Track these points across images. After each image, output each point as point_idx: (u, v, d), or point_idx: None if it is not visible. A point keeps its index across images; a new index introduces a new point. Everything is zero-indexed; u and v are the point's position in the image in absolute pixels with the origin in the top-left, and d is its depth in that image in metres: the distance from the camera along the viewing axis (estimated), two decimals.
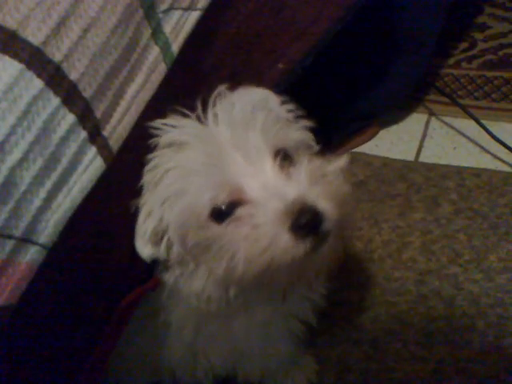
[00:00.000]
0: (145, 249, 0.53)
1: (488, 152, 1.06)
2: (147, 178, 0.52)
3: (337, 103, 1.05)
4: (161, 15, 0.53)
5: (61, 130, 0.42)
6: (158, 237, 0.52)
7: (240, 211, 0.48)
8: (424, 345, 0.79)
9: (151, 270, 0.58)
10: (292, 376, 0.76)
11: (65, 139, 0.42)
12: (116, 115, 0.48)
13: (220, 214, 0.49)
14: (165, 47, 0.54)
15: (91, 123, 0.45)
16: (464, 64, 1.27)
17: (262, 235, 0.46)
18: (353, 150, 1.11)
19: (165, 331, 0.61)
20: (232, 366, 0.66)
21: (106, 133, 0.47)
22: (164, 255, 0.53)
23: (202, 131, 0.51)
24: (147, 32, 0.51)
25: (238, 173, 0.48)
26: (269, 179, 0.48)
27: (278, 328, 0.62)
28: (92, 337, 0.55)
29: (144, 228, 0.52)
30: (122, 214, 0.54)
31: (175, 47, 0.55)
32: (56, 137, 0.41)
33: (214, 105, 0.52)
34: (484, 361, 0.76)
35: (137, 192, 0.53)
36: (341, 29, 0.73)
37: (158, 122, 0.51)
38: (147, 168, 0.51)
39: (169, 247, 0.53)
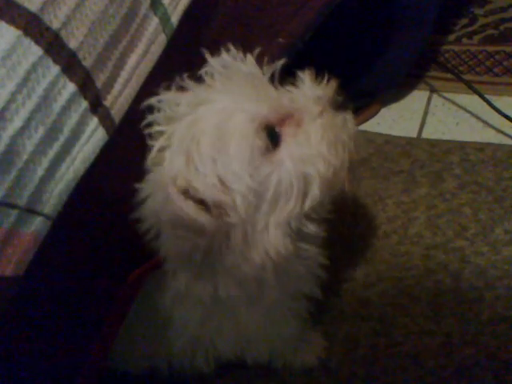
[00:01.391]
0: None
1: (491, 126, 1.05)
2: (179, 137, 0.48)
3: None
4: None
5: (62, 99, 0.41)
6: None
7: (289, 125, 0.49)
8: (432, 318, 0.79)
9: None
10: (301, 353, 0.76)
11: (66, 108, 0.42)
12: (117, 86, 0.47)
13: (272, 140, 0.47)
14: (164, 18, 0.53)
15: (92, 93, 0.44)
16: (465, 40, 1.26)
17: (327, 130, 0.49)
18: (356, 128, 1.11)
19: (166, 325, 0.61)
20: (240, 352, 0.66)
21: (107, 103, 0.46)
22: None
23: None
24: (146, 2, 0.50)
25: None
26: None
27: (284, 310, 0.61)
28: (98, 316, 0.54)
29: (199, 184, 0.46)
30: (125, 190, 0.54)
31: (174, 19, 0.55)
32: (57, 106, 0.41)
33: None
34: (493, 332, 0.76)
35: (138, 169, 0.52)
36: (339, 4, 0.72)
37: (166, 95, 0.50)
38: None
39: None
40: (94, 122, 0.45)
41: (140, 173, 0.53)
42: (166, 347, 0.65)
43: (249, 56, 0.51)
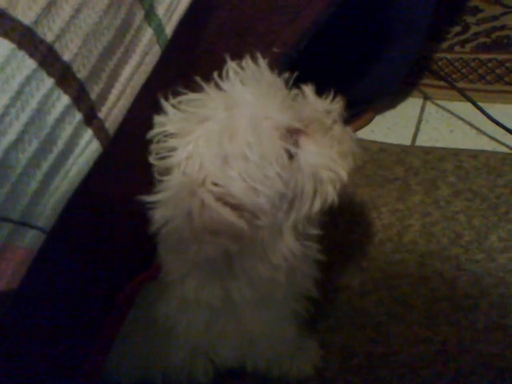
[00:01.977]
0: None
1: (484, 134, 1.05)
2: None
3: (331, 89, 1.05)
4: None
5: (56, 112, 0.41)
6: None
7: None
8: (428, 326, 0.79)
9: (152, 257, 0.57)
10: (297, 362, 0.76)
11: (60, 121, 0.41)
12: (111, 97, 0.47)
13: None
14: (158, 29, 0.53)
15: (86, 105, 0.44)
16: (457, 48, 1.27)
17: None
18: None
19: (168, 334, 0.61)
20: (241, 357, 0.66)
21: (101, 115, 0.46)
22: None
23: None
24: (140, 13, 0.50)
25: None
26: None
27: (287, 310, 0.62)
28: (93, 326, 0.54)
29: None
30: (122, 200, 0.54)
31: (169, 30, 0.55)
32: (51, 118, 0.41)
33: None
34: (488, 340, 0.76)
35: (137, 175, 0.52)
36: (334, 13, 0.73)
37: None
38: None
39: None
40: (88, 134, 0.44)
41: (139, 181, 0.53)
42: (164, 358, 0.65)
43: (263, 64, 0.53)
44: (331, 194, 0.52)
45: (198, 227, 0.46)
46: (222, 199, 0.47)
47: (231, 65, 0.52)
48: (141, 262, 0.57)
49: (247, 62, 0.52)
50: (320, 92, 0.55)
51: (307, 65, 0.86)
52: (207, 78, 0.53)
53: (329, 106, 0.54)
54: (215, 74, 0.52)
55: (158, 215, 0.49)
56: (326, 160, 0.52)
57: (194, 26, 0.62)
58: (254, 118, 0.48)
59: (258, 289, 0.54)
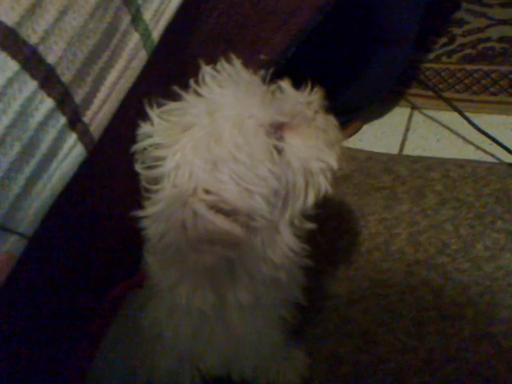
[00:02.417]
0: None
1: (471, 143, 1.06)
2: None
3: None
4: (140, 1, 0.52)
5: (39, 115, 0.40)
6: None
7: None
8: (415, 335, 0.79)
9: (137, 263, 0.57)
10: (284, 371, 0.75)
11: (43, 124, 0.41)
12: (96, 101, 0.47)
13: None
14: (145, 34, 0.53)
15: (71, 109, 0.43)
16: (444, 58, 1.28)
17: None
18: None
19: (154, 341, 0.60)
20: (228, 365, 0.65)
21: (86, 119, 0.45)
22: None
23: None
24: (127, 18, 0.50)
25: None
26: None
27: (275, 315, 0.62)
28: (77, 333, 0.53)
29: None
30: (106, 206, 0.53)
31: (155, 35, 0.54)
32: (34, 121, 0.40)
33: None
34: (475, 349, 0.76)
35: (123, 181, 0.51)
36: (322, 21, 0.73)
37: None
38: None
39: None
40: (72, 138, 0.44)
41: (125, 187, 0.52)
42: (150, 367, 0.64)
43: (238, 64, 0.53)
44: (323, 185, 0.53)
45: (193, 238, 0.46)
46: (214, 207, 0.46)
47: (206, 69, 0.52)
48: (125, 269, 0.56)
49: (222, 64, 0.52)
50: (296, 86, 0.56)
51: (295, 73, 0.87)
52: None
53: (308, 98, 0.55)
54: (192, 81, 0.51)
55: (153, 230, 0.48)
56: (313, 151, 0.52)
57: (182, 32, 0.61)
58: (237, 119, 0.48)
59: (255, 292, 0.54)
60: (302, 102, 0.54)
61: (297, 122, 0.53)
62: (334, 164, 0.53)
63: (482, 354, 0.74)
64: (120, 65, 0.49)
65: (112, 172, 0.53)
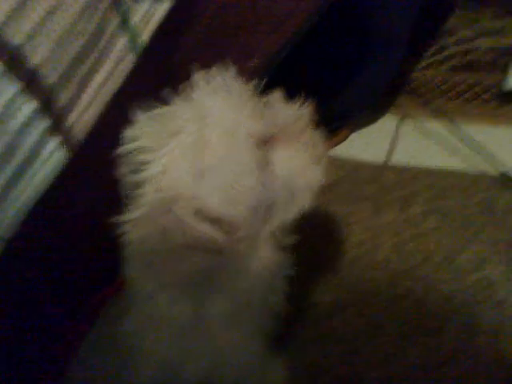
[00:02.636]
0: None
1: (458, 153, 1.07)
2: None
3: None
4: (129, 4, 0.51)
5: (22, 117, 0.39)
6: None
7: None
8: (396, 347, 0.78)
9: (115, 270, 0.55)
10: (265, 381, 0.74)
11: (26, 126, 0.40)
12: (81, 104, 0.46)
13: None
14: (133, 37, 0.52)
15: (54, 111, 0.42)
16: (434, 67, 1.29)
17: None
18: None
19: (134, 350, 0.58)
20: (208, 375, 0.64)
21: (70, 122, 0.44)
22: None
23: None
24: (115, 20, 0.49)
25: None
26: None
27: (255, 324, 0.60)
28: (52, 343, 0.52)
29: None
30: (88, 209, 0.52)
31: (144, 37, 0.54)
32: (17, 123, 0.39)
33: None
34: (457, 361, 0.76)
35: (106, 185, 0.50)
36: (314, 27, 0.73)
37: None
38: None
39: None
40: (54, 140, 0.43)
41: (106, 192, 0.51)
42: (130, 378, 0.62)
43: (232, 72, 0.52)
44: (307, 200, 0.52)
45: (174, 244, 0.45)
46: (198, 214, 0.45)
47: (199, 75, 0.51)
48: (105, 276, 0.55)
49: (216, 71, 0.51)
50: (288, 98, 0.55)
51: (286, 79, 0.86)
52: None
53: (298, 111, 0.54)
54: (183, 86, 0.50)
55: (133, 236, 0.47)
56: (300, 165, 0.52)
57: (172, 35, 0.60)
58: (227, 128, 0.47)
59: (234, 302, 0.53)
60: (292, 115, 0.54)
61: (286, 136, 0.52)
62: (320, 179, 0.53)
63: (463, 368, 0.74)
64: (107, 67, 0.49)
65: (95, 175, 0.52)
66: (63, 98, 0.43)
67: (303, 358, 0.78)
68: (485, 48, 1.31)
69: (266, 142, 0.50)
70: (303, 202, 0.52)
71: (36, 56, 0.40)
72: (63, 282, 0.51)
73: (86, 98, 0.46)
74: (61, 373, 0.53)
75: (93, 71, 0.47)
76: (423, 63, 1.30)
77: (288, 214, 0.52)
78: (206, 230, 0.45)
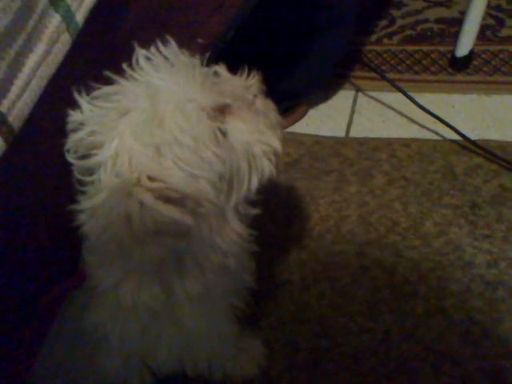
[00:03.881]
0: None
1: (415, 122, 1.07)
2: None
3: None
4: None
5: None
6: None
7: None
8: (370, 316, 0.79)
9: (75, 262, 0.53)
10: (240, 363, 0.73)
11: None
12: (14, 89, 0.43)
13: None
14: (67, 16, 0.49)
15: None
16: (385, 40, 1.30)
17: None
18: (284, 131, 1.10)
19: (98, 343, 0.57)
20: (180, 360, 0.63)
21: (3, 109, 0.41)
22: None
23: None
24: None
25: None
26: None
27: (225, 305, 0.60)
28: (11, 341, 0.49)
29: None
30: (36, 201, 0.49)
31: (79, 17, 0.51)
32: None
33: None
34: (428, 325, 0.76)
35: (54, 174, 0.48)
36: (261, 6, 0.71)
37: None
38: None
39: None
40: None
41: (55, 181, 0.49)
42: (95, 369, 0.60)
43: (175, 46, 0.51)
44: (267, 168, 0.52)
45: (139, 230, 0.43)
46: (161, 196, 0.44)
47: (140, 52, 0.49)
48: (63, 269, 0.52)
49: (158, 46, 0.49)
50: (233, 72, 0.55)
51: (234, 59, 0.84)
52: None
53: (246, 82, 0.54)
54: (125, 65, 0.48)
55: (91, 226, 0.45)
56: (255, 134, 0.51)
57: (111, 13, 0.58)
58: (178, 103, 0.46)
59: (204, 281, 0.52)
60: (241, 85, 0.53)
61: (237, 106, 0.51)
62: (277, 146, 0.53)
63: (436, 329, 0.75)
64: (40, 49, 0.46)
65: (40, 165, 0.49)
66: None
67: (278, 335, 0.78)
68: (433, 19, 1.33)
69: (219, 114, 0.49)
70: (262, 169, 0.52)
71: None
72: (18, 277, 0.49)
73: (18, 82, 0.43)
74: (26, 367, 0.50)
75: (24, 53, 0.44)
76: (374, 37, 1.31)
77: (249, 184, 0.51)
78: (170, 212, 0.43)
